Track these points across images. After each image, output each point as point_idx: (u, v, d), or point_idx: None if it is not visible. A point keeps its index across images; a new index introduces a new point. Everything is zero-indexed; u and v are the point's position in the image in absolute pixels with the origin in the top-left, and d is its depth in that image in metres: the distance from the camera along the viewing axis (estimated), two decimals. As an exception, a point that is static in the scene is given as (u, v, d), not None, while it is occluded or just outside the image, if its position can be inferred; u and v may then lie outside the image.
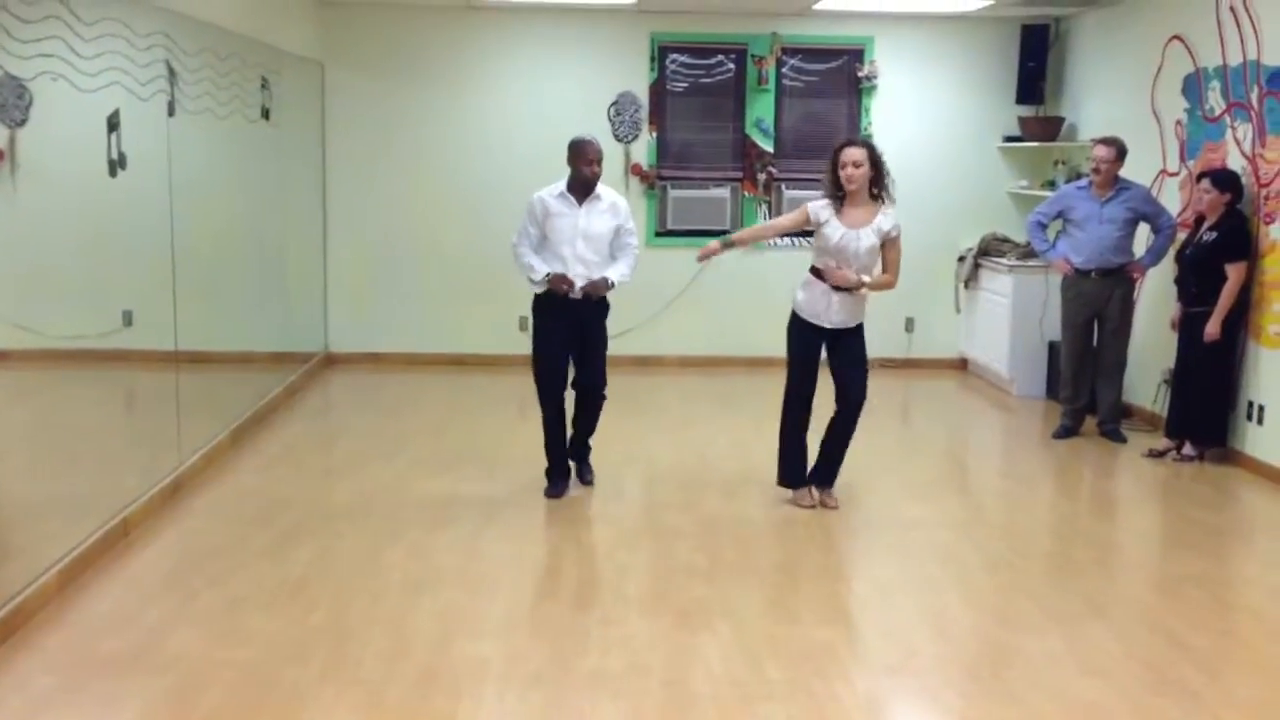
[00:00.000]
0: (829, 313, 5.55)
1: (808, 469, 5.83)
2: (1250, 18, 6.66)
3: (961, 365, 9.55)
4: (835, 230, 5.47)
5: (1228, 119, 6.90)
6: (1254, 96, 6.63)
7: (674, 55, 9.25)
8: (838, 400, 5.68)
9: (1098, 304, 7.23)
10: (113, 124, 5.16)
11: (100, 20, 5.04)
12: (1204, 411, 6.72)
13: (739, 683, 3.89)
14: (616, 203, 5.81)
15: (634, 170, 9.24)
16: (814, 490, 5.80)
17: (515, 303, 9.13)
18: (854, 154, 5.40)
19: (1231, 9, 6.81)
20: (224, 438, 6.58)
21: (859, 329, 5.65)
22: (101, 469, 5.24)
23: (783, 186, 9.32)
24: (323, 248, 9.17)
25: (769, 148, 9.29)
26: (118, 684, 3.81)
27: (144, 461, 5.61)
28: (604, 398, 5.93)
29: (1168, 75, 7.52)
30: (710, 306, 9.31)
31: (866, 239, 5.45)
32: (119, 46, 5.22)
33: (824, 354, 5.70)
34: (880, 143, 9.17)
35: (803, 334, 5.65)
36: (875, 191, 5.49)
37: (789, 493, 5.83)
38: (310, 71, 8.73)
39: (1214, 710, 3.76)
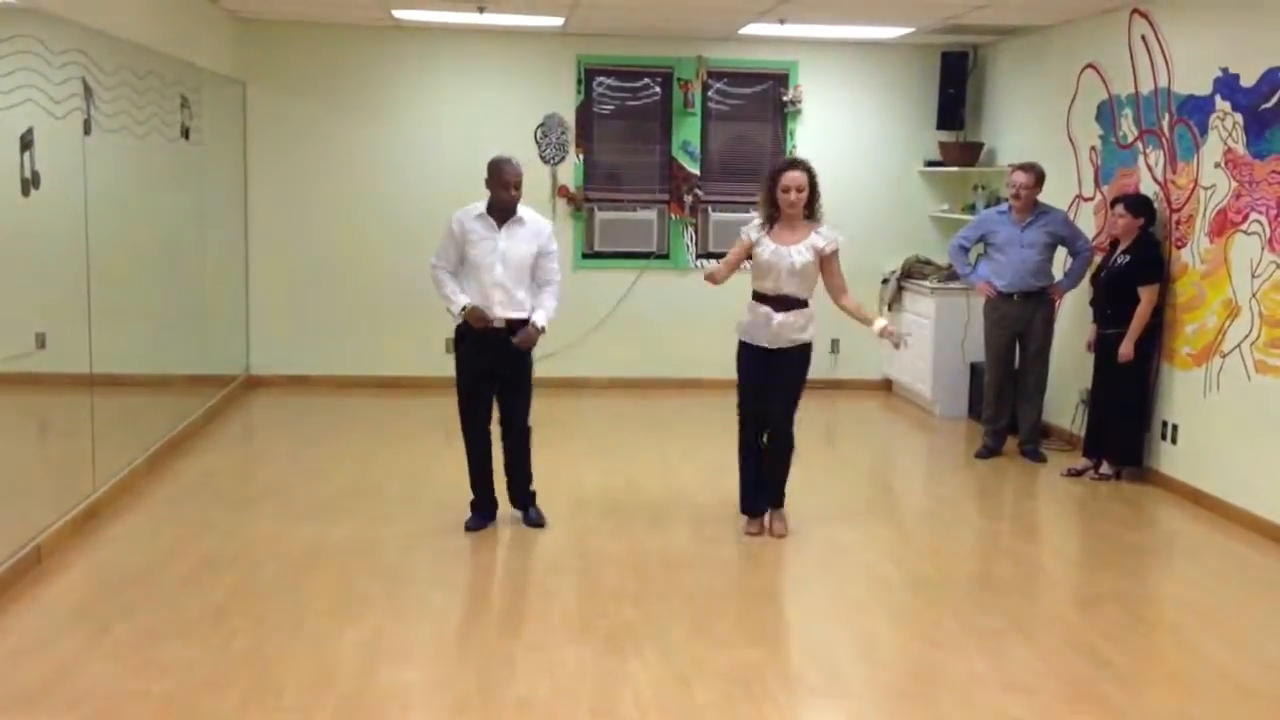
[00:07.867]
0: (766, 333, 5.58)
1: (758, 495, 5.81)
2: (1161, 47, 6.85)
3: (886, 386, 9.65)
4: (766, 248, 5.55)
5: (1140, 145, 7.08)
6: (1165, 124, 6.81)
7: (600, 78, 9.28)
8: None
9: (1019, 326, 7.37)
10: (26, 142, 5.03)
11: (13, 37, 4.93)
12: (1120, 431, 6.86)
13: (667, 707, 3.88)
14: (540, 226, 5.61)
15: (561, 192, 9.24)
16: (765, 517, 5.80)
17: (442, 324, 9.07)
18: (796, 178, 5.48)
19: (1143, 38, 7.00)
20: (141, 463, 6.44)
21: (802, 350, 5.62)
22: (12, 495, 5.07)
23: (709, 209, 9.37)
24: (245, 268, 9.02)
25: (695, 170, 9.34)
26: (29, 719, 3.69)
27: (57, 488, 5.46)
28: (529, 430, 5.76)
29: (1082, 103, 7.71)
30: (639, 327, 9.32)
31: (798, 256, 5.51)
32: (33, 63, 5.10)
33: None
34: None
35: (746, 358, 5.67)
36: (808, 213, 5.58)
37: (732, 518, 5.85)
38: (231, 90, 8.61)
39: (1133, 726, 3.83)
